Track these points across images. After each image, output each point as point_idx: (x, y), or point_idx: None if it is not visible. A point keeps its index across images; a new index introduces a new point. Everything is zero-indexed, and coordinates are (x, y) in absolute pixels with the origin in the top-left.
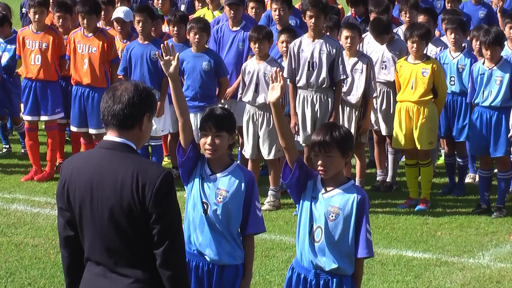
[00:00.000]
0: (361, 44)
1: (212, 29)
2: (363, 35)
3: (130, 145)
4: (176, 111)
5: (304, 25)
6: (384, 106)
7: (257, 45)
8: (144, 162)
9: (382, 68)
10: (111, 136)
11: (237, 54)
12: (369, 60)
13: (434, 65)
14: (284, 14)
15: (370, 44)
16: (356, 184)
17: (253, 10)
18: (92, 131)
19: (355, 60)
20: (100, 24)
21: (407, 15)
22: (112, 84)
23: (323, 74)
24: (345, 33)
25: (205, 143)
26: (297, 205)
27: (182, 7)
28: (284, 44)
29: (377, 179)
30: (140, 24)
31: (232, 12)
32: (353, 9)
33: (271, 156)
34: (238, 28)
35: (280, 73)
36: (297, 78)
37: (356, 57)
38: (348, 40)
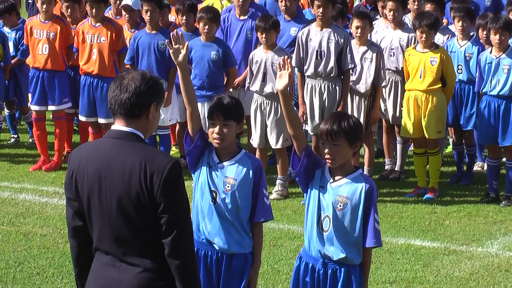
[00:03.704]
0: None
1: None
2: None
3: (138, 134)
4: (184, 100)
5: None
6: (392, 95)
7: (264, 35)
8: (152, 151)
9: (391, 55)
10: (118, 125)
11: (246, 43)
12: (379, 49)
13: (442, 54)
14: (291, 4)
15: (379, 33)
16: (365, 173)
17: None
18: (101, 120)
19: (365, 49)
20: (110, 13)
21: (416, 3)
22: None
23: (331, 63)
24: (355, 22)
25: (213, 132)
26: (305, 194)
27: None
28: (359, 30)
29: (385, 168)
30: (148, 13)
31: (241, 0)
32: None
33: (278, 145)
34: (246, 17)
35: (288, 60)
36: (305, 67)
37: (366, 46)
38: (359, 30)
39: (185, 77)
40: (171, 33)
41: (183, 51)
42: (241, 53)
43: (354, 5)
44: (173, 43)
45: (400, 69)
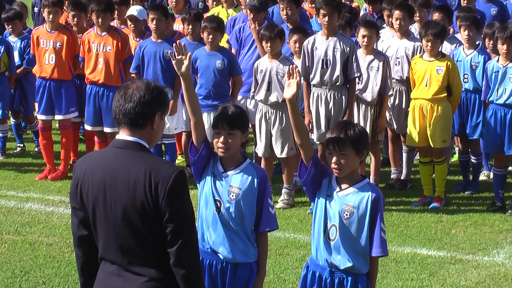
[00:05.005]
0: None
1: (230, 28)
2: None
3: (143, 143)
4: (188, 110)
5: (306, 21)
6: (396, 104)
7: (269, 44)
8: (156, 161)
9: (396, 64)
10: (123, 135)
11: (259, 54)
12: (385, 58)
13: (449, 63)
14: (292, 13)
15: (384, 41)
16: (371, 182)
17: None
18: (107, 129)
19: (371, 58)
20: (115, 23)
21: (417, 14)
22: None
23: (337, 72)
24: (362, 31)
25: (218, 141)
26: (312, 203)
27: (200, 4)
28: (297, 44)
29: (391, 177)
30: (154, 22)
31: (252, 16)
32: (370, 7)
33: (283, 155)
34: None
35: (297, 69)
36: (311, 76)
37: (373, 55)
38: (365, 39)
39: (188, 87)
40: (174, 44)
41: (186, 62)
42: (253, 64)
43: (361, 14)
44: (176, 53)
45: (405, 78)
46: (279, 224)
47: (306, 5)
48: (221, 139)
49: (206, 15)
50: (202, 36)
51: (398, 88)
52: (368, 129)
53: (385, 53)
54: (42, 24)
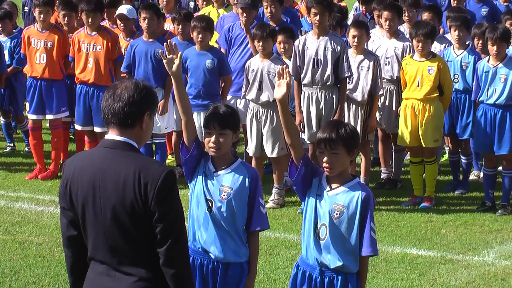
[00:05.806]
0: None
1: (219, 27)
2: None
3: (132, 143)
4: (179, 110)
5: (296, 22)
6: (387, 104)
7: (261, 43)
8: (146, 161)
9: (386, 64)
10: (112, 135)
11: (251, 54)
12: (375, 58)
13: (440, 63)
14: (276, 11)
15: (375, 41)
16: (361, 181)
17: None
18: (97, 129)
19: (362, 58)
20: (107, 23)
21: (406, 14)
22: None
23: (328, 71)
24: (352, 32)
25: (209, 141)
26: (302, 203)
27: (191, 4)
28: (282, 45)
29: (382, 177)
30: (146, 21)
31: (245, 15)
32: (364, 7)
33: (274, 154)
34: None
35: (287, 69)
36: (302, 75)
37: (363, 55)
38: (356, 39)
39: (179, 87)
40: (164, 43)
41: (177, 61)
42: (243, 64)
43: (354, 14)
44: (166, 53)
45: (395, 78)
46: (269, 223)
47: (302, 6)
48: (212, 138)
49: (196, 15)
50: (192, 35)
51: (388, 88)
52: (358, 129)
53: (375, 53)
54: (33, 24)
